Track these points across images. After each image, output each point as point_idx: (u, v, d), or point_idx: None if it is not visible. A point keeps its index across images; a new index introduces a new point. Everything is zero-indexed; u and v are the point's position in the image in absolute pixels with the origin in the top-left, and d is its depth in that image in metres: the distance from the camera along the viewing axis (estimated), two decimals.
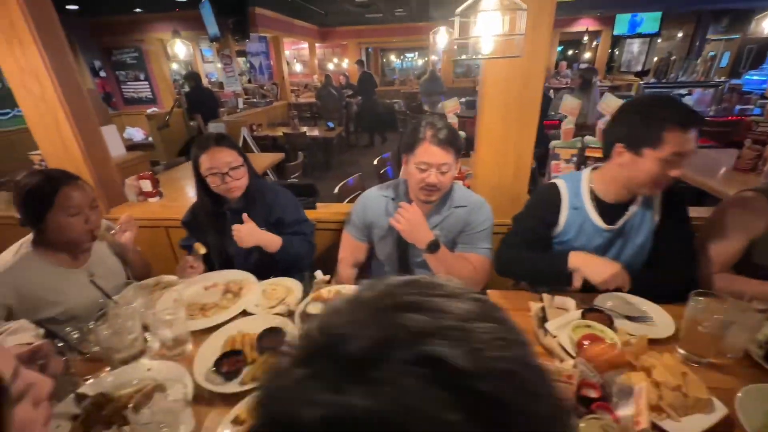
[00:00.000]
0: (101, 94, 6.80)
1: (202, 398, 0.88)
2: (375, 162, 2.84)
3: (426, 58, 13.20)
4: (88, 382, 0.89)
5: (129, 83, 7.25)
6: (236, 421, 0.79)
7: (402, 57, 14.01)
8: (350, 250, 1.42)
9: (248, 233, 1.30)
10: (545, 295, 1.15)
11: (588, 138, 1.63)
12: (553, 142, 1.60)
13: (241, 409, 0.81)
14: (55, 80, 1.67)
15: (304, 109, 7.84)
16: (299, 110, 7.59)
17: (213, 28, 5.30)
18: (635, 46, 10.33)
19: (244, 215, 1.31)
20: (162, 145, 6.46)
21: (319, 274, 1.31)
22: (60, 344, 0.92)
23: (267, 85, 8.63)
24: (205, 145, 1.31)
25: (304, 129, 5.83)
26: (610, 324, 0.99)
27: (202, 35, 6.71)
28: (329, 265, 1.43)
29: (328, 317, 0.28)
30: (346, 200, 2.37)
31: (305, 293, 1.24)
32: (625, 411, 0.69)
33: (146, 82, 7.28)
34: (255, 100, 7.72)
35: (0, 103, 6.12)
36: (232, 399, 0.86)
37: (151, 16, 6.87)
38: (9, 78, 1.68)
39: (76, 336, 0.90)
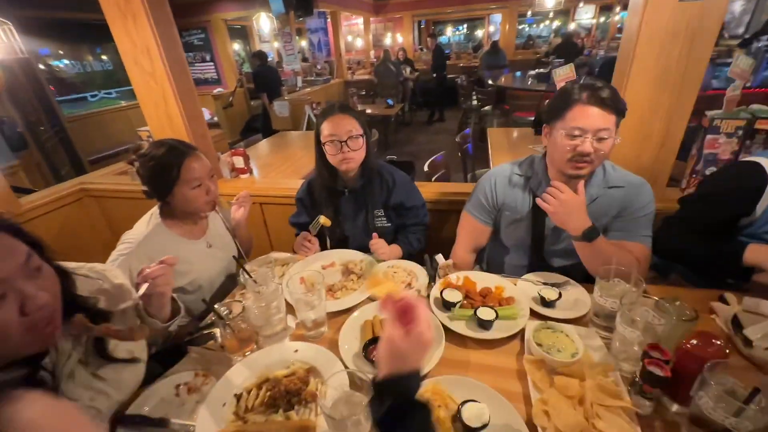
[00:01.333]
0: None
1: (353, 384, 0.83)
2: (457, 138, 2.67)
3: (481, 30, 12.41)
4: (239, 359, 0.88)
5: (196, 65, 7.53)
6: None
7: (455, 30, 13.28)
8: (471, 233, 1.31)
9: (387, 253, 1.28)
10: (730, 296, 0.97)
11: (756, 107, 1.35)
12: (711, 113, 1.34)
13: None
14: (164, 56, 1.69)
15: (360, 86, 7.71)
16: (356, 87, 7.48)
17: (277, 3, 5.27)
18: (736, 4, 8.82)
19: (373, 241, 1.28)
20: (226, 124, 6.74)
21: (440, 258, 1.22)
22: (213, 318, 0.91)
23: (321, 63, 8.59)
24: (329, 112, 1.27)
25: (365, 107, 5.73)
26: None
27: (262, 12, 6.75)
28: (432, 248, 1.34)
29: None
30: (434, 178, 2.25)
31: (430, 278, 1.16)
32: None
33: (211, 63, 7.53)
34: (311, 78, 7.73)
35: (89, 86, 6.69)
36: None
37: None
38: (123, 55, 1.73)
39: (225, 312, 0.89)
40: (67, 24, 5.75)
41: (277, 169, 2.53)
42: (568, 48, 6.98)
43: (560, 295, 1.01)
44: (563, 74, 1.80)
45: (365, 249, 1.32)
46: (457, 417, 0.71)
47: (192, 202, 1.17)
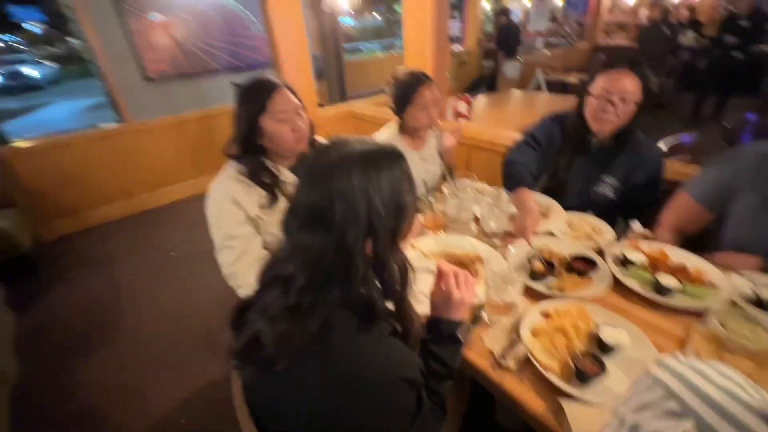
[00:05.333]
0: None
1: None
2: (728, 125, 2.10)
3: None
4: (431, 233, 1.20)
5: None
6: (544, 314, 0.88)
7: None
8: (679, 212, 1.15)
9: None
10: None
11: None
12: None
13: (548, 307, 0.89)
14: (436, 8, 2.06)
15: (612, 53, 6.58)
16: (608, 54, 6.43)
17: None
18: None
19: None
20: (455, 83, 7.23)
21: (636, 224, 1.17)
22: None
23: (571, 23, 7.68)
24: (615, 64, 1.19)
25: None
26: None
27: None
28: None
29: None
30: None
31: (617, 239, 1.15)
32: None
33: (458, 22, 7.99)
34: (554, 40, 7.12)
35: (362, 38, 8.44)
36: (537, 294, 0.96)
37: None
38: (405, 6, 2.20)
39: (431, 200, 1.21)
40: None
41: (491, 121, 2.71)
42: None
43: None
44: None
45: (573, 207, 1.32)
46: (594, 335, 0.81)
47: (420, 120, 1.50)
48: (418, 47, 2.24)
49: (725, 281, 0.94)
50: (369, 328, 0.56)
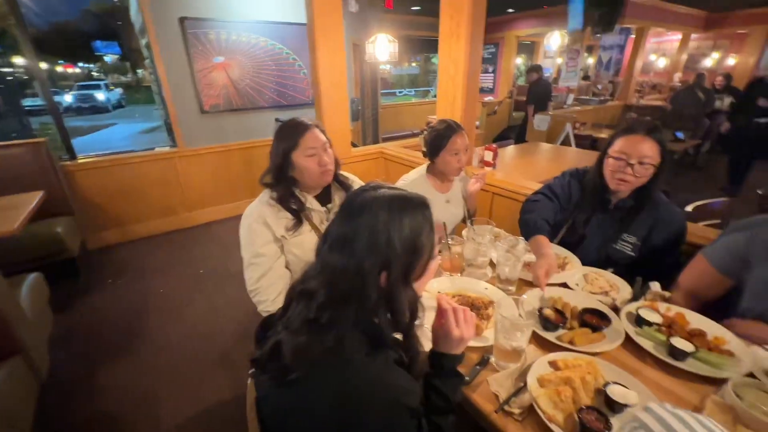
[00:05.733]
0: None
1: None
2: (761, 192, 2.06)
3: None
4: (448, 275, 1.25)
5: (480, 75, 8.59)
6: (552, 364, 0.90)
7: None
8: (697, 275, 1.14)
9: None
10: None
11: None
12: None
13: (557, 357, 0.90)
14: (467, 67, 2.24)
15: (644, 113, 6.63)
16: (639, 113, 6.49)
17: (577, 20, 5.27)
18: None
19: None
20: (485, 130, 7.45)
21: (655, 285, 1.17)
22: (441, 243, 1.32)
23: (604, 82, 7.86)
24: (633, 129, 1.23)
25: None
26: None
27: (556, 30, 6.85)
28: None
29: None
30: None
31: (633, 297, 1.15)
32: None
33: (492, 75, 8.38)
34: (585, 97, 7.27)
35: (397, 85, 8.97)
36: (546, 344, 0.97)
37: (518, 15, 7.65)
38: (440, 63, 2.40)
39: (451, 241, 1.27)
40: (401, 39, 7.85)
41: (516, 170, 2.78)
42: None
43: None
44: None
45: (593, 262, 1.33)
46: (602, 391, 0.81)
47: (449, 165, 1.61)
48: (449, 98, 2.40)
49: (745, 352, 0.92)
50: (376, 353, 0.61)
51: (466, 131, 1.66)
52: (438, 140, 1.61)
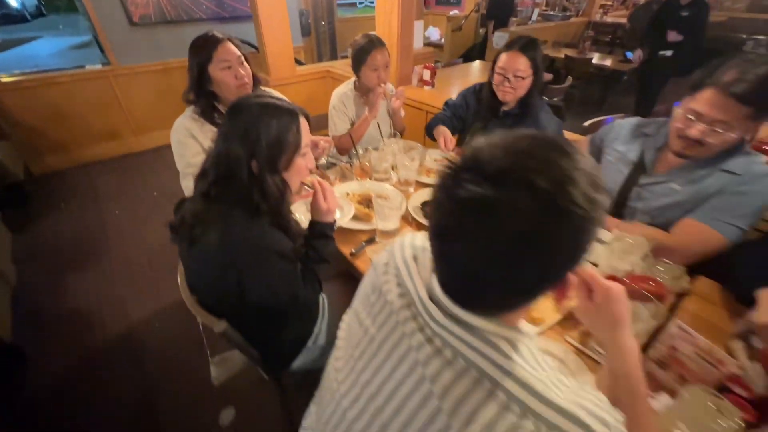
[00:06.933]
0: None
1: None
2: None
3: None
4: (357, 179, 1.47)
5: None
6: None
7: None
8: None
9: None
10: None
11: None
12: None
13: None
14: None
15: (605, 30, 6.58)
16: (597, 31, 6.44)
17: None
18: None
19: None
20: (450, 47, 7.16)
21: None
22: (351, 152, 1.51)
23: None
24: (512, 45, 1.42)
25: (594, 55, 5.05)
26: None
27: None
28: None
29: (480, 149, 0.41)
30: None
31: None
32: None
33: None
34: (552, 13, 7.04)
35: None
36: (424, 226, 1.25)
37: None
38: None
39: (361, 152, 1.46)
40: None
41: (456, 89, 2.89)
42: None
43: None
44: None
45: None
46: None
47: (369, 79, 1.69)
48: (386, 9, 2.38)
49: None
50: (254, 218, 0.84)
51: (387, 48, 1.73)
52: (360, 54, 1.67)
